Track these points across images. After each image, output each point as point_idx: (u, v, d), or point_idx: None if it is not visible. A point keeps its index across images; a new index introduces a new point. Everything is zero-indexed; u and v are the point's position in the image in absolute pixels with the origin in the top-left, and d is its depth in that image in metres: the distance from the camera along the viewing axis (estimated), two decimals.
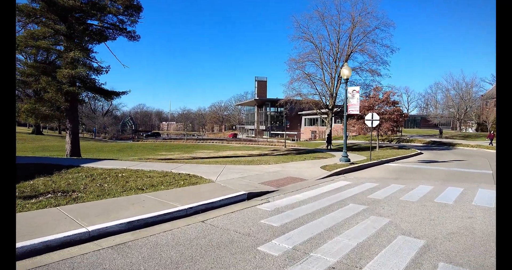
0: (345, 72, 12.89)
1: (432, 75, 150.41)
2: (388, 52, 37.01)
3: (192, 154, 32.85)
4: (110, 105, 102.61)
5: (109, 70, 23.01)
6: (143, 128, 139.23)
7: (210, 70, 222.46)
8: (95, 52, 24.61)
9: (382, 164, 14.51)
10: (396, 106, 27.14)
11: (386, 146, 32.77)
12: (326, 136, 40.96)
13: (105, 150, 38.21)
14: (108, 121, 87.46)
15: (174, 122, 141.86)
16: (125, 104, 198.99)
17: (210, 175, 9.79)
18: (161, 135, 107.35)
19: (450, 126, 75.92)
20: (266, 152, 34.08)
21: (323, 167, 12.10)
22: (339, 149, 32.58)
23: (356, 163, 13.17)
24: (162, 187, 8.05)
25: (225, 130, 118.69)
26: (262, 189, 7.80)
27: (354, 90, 13.01)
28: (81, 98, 24.00)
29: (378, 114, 28.45)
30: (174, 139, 66.73)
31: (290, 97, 38.53)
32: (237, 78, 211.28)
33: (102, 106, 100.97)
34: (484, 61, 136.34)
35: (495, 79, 66.78)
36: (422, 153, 21.62)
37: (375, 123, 14.49)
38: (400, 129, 29.29)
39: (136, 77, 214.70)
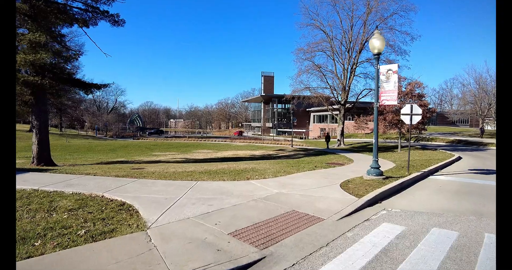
0: (376, 43, 8.50)
1: (448, 70, 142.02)
2: (408, 40, 32.26)
3: (187, 155, 28.79)
4: (115, 102, 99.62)
5: (79, 57, 19.11)
6: (150, 125, 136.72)
7: (217, 67, 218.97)
8: (64, 35, 20.56)
9: (425, 177, 10.06)
10: (422, 100, 22.48)
11: (406, 146, 28.13)
12: (326, 134, 36.44)
13: (96, 150, 34.53)
14: (112, 118, 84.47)
15: (182, 120, 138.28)
16: (131, 101, 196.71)
17: (155, 205, 5.60)
18: (169, 132, 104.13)
19: (468, 123, 70.37)
20: (270, 153, 29.77)
21: (345, 186, 7.75)
22: (352, 150, 28.07)
23: (393, 178, 8.79)
24: (31, 247, 3.88)
25: (232, 128, 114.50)
26: (229, 262, 3.54)
27: (390, 70, 8.59)
28: (53, 91, 19.94)
29: (401, 109, 23.82)
30: (177, 137, 62.94)
31: (298, 91, 34.05)
32: (244, 74, 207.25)
33: (107, 104, 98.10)
34: None
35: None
36: (461, 158, 16.96)
37: (416, 119, 10.06)
38: (425, 126, 24.61)
39: (143, 74, 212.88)
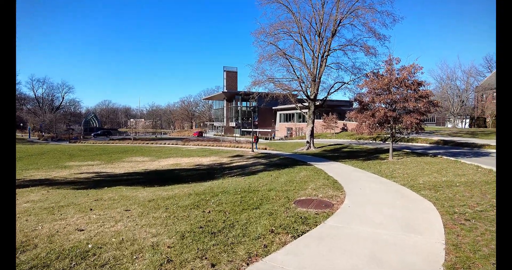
0: None
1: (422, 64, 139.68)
2: (389, 22, 25.89)
3: (109, 166, 20.41)
4: (62, 100, 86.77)
5: None
6: (109, 125, 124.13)
7: (180, 64, 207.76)
8: None
9: None
10: (422, 90, 16.05)
11: (394, 150, 21.74)
12: (254, 136, 29.84)
13: None
14: (58, 118, 72.55)
15: (143, 119, 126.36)
16: (81, 99, 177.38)
17: None
18: (129, 133, 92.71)
19: (434, 121, 67.14)
20: (223, 161, 22.16)
21: None
22: (326, 156, 21.27)
23: None
24: None
25: (195, 128, 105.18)
26: None
27: None
28: None
29: (396, 101, 17.39)
30: (123, 139, 53.23)
31: (259, 83, 26.71)
32: (209, 72, 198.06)
33: (51, 102, 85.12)
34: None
35: (488, 64, 57.91)
36: None
37: None
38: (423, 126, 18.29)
39: (100, 72, 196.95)
